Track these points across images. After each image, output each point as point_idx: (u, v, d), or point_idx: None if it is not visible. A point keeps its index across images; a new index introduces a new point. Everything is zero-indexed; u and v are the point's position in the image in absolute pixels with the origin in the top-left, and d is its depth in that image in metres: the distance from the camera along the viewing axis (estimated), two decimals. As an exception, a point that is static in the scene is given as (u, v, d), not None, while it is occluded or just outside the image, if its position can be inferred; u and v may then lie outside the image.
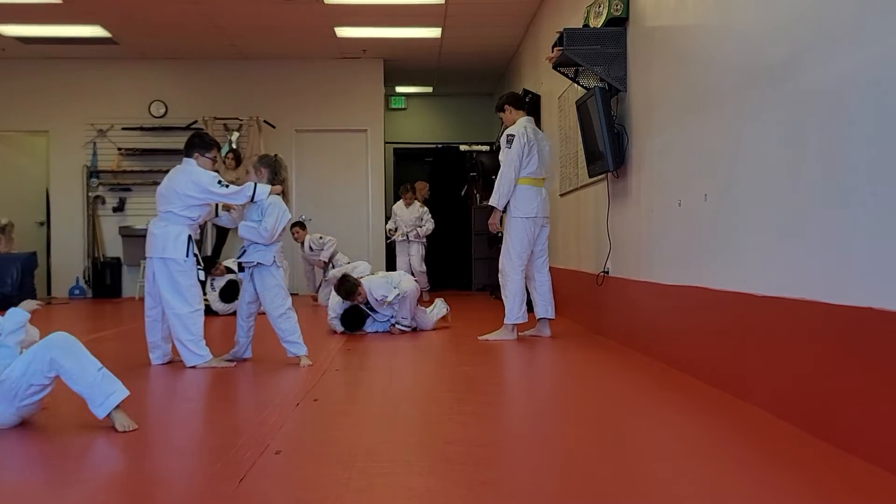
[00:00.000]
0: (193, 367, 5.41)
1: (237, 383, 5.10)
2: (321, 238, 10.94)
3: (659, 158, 5.50)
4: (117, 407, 3.56)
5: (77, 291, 12.85)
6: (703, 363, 4.58)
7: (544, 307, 6.91)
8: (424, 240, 11.63)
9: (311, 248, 10.96)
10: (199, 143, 5.73)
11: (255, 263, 5.59)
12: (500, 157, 6.79)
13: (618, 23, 6.15)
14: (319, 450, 3.34)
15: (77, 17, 10.71)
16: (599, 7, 6.31)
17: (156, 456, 3.37)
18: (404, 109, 15.61)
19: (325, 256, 10.75)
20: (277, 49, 12.45)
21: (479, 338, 6.75)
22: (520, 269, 6.73)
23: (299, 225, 11.09)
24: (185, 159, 5.69)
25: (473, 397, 4.62)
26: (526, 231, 6.71)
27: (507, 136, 6.69)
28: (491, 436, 3.57)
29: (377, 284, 7.42)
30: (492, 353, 6.30)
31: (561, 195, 8.78)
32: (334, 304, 7.51)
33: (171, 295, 5.47)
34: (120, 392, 3.56)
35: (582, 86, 6.82)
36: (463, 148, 13.23)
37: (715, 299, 4.43)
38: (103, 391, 3.53)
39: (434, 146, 15.18)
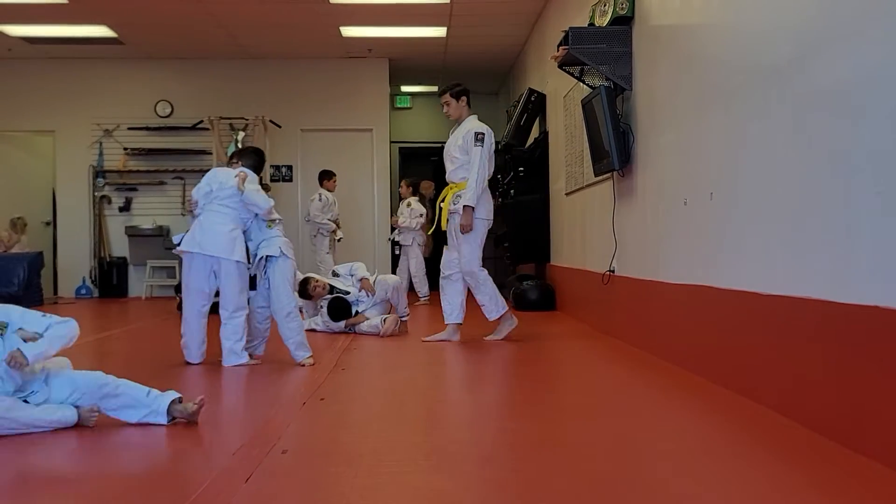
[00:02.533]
0: (232, 365, 5.45)
1: (244, 382, 5.10)
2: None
3: (664, 157, 5.50)
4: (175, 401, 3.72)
5: (83, 291, 12.89)
6: (710, 362, 4.58)
7: (461, 312, 6.75)
8: (417, 244, 11.16)
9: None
10: None
11: (264, 258, 5.57)
12: (455, 153, 6.64)
13: (623, 21, 6.14)
14: (326, 449, 3.35)
15: (83, 18, 10.73)
16: (605, 6, 6.30)
17: (162, 454, 3.37)
18: (410, 108, 15.61)
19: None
20: (283, 49, 12.46)
21: (486, 338, 6.71)
22: (482, 268, 6.63)
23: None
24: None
25: (479, 396, 4.63)
26: (483, 231, 6.62)
27: (477, 133, 6.55)
28: (499, 435, 3.57)
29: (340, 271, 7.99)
30: (497, 352, 6.30)
31: (566, 194, 8.78)
32: (321, 319, 7.59)
33: (235, 296, 5.52)
34: (169, 393, 3.74)
35: (587, 85, 6.81)
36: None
37: (721, 298, 4.42)
38: (159, 405, 3.70)
39: (439, 145, 15.13)
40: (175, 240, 5.74)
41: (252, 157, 5.87)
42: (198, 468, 3.09)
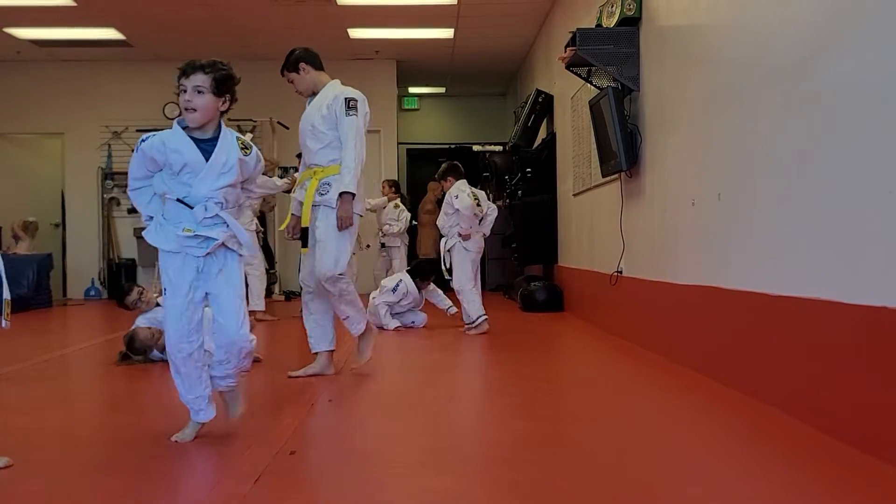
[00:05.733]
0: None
1: (252, 384, 5.11)
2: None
3: (672, 158, 5.49)
4: None
5: (92, 292, 12.92)
6: (718, 363, 4.57)
7: (332, 335, 5.29)
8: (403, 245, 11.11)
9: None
10: None
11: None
12: (320, 126, 5.05)
13: (631, 22, 6.14)
14: (334, 450, 3.36)
15: (91, 20, 10.77)
16: (612, 7, 6.30)
17: (171, 455, 3.38)
18: (417, 110, 15.63)
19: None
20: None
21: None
22: (348, 279, 5.12)
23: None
24: None
25: (489, 397, 4.63)
26: (353, 229, 5.09)
27: (348, 99, 5.00)
28: (507, 435, 3.57)
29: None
30: (507, 353, 6.29)
31: (574, 195, 8.78)
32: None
33: None
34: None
35: (595, 86, 6.81)
36: (476, 148, 13.23)
37: (729, 299, 4.42)
38: None
39: (447, 146, 15.19)
40: None
41: None
42: (206, 469, 3.09)
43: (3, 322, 3.23)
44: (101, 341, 7.40)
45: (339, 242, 4.98)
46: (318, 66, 5.24)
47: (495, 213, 7.92)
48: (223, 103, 3.44)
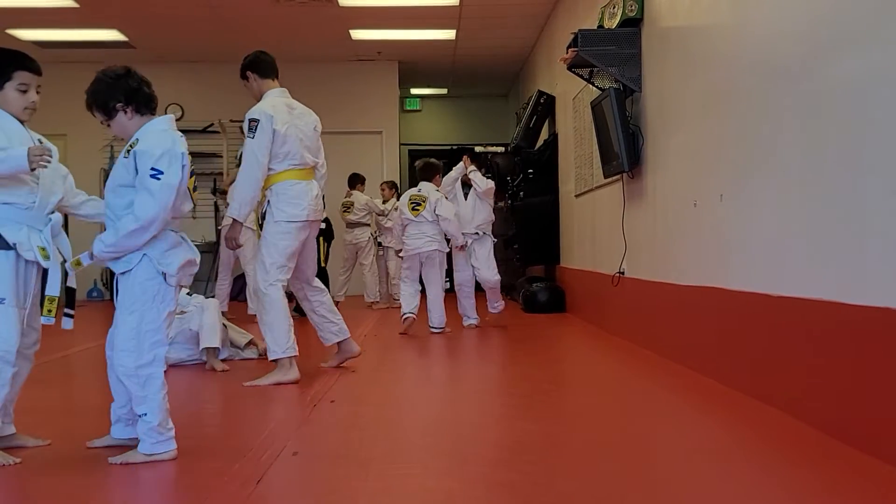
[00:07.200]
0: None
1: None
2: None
3: (674, 159, 5.49)
4: None
5: (95, 294, 12.95)
6: (720, 364, 4.57)
7: (337, 329, 5.38)
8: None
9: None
10: None
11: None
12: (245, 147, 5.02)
13: (632, 23, 6.14)
14: (336, 451, 3.36)
15: (93, 22, 10.78)
16: (614, 8, 6.30)
17: (173, 457, 3.38)
18: (419, 111, 15.63)
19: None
20: (292, 52, 12.46)
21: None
22: (280, 287, 5.00)
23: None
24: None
25: (491, 399, 4.63)
26: (289, 237, 5.01)
27: (250, 120, 4.93)
28: (509, 437, 3.58)
29: None
30: (509, 354, 6.29)
31: (576, 196, 8.78)
32: None
33: None
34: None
35: (597, 87, 6.81)
36: (478, 149, 13.20)
37: (731, 300, 4.42)
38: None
39: (449, 147, 15.17)
40: None
41: None
42: (209, 470, 3.10)
43: (55, 319, 3.51)
44: (103, 343, 7.41)
45: (263, 253, 5.01)
46: (265, 74, 5.15)
47: (447, 223, 7.86)
48: (119, 109, 3.38)
